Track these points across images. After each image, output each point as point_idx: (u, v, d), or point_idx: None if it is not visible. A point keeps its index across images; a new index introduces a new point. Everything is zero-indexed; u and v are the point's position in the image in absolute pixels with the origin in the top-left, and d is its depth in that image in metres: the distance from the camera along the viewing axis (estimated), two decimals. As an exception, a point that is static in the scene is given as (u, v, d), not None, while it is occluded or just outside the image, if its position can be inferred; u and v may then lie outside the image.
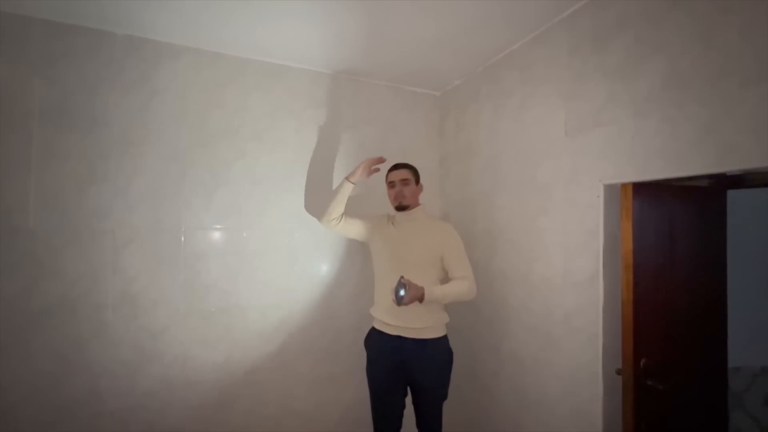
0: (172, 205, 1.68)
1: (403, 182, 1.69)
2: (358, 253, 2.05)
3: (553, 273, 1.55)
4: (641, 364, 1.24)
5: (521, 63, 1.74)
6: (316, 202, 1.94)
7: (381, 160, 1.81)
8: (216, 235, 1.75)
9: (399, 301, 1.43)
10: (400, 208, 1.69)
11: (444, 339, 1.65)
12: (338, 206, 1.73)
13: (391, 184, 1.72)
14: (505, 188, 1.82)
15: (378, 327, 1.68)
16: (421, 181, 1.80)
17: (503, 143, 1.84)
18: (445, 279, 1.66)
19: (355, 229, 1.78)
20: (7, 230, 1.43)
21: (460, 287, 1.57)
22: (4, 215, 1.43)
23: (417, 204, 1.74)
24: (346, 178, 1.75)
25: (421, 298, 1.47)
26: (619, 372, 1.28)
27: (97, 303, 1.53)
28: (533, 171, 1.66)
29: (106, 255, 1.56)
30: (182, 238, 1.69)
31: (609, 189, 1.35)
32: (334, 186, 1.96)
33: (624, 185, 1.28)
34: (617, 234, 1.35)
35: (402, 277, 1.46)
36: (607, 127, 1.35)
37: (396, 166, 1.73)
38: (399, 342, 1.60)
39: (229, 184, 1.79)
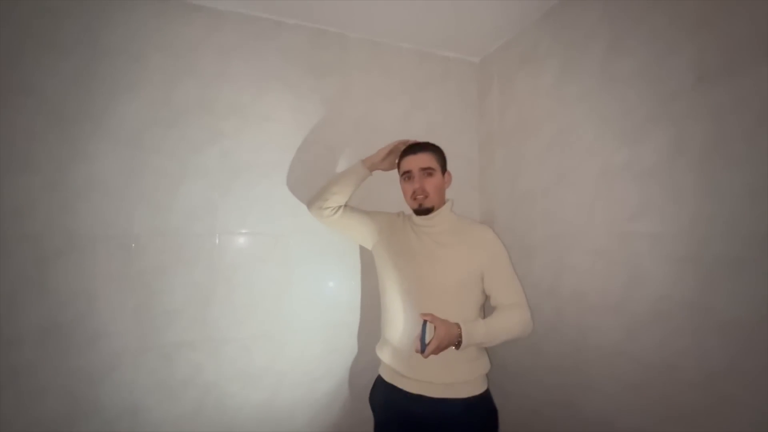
0: (123, 203, 1.25)
1: (425, 172, 1.16)
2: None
3: (672, 304, 0.99)
4: None
5: (607, -8, 1.20)
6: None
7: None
8: (181, 243, 1.31)
9: (424, 349, 0.97)
10: (422, 210, 1.18)
11: (486, 396, 1.14)
12: (340, 192, 1.24)
13: (406, 176, 1.19)
14: (581, 177, 1.27)
15: (388, 378, 1.18)
16: (456, 172, 1.29)
17: (577, 113, 1.29)
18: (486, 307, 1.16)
19: (355, 226, 1.28)
20: None
21: (511, 321, 1.08)
22: None
23: (443, 202, 1.22)
24: (362, 162, 1.27)
25: (457, 344, 1.00)
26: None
27: (9, 337, 1.11)
28: (632, 148, 1.11)
29: (27, 270, 1.14)
30: (133, 246, 1.25)
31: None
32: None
33: None
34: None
35: (423, 316, 1.00)
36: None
37: (413, 149, 1.20)
38: (419, 403, 1.10)
39: (201, 174, 1.35)
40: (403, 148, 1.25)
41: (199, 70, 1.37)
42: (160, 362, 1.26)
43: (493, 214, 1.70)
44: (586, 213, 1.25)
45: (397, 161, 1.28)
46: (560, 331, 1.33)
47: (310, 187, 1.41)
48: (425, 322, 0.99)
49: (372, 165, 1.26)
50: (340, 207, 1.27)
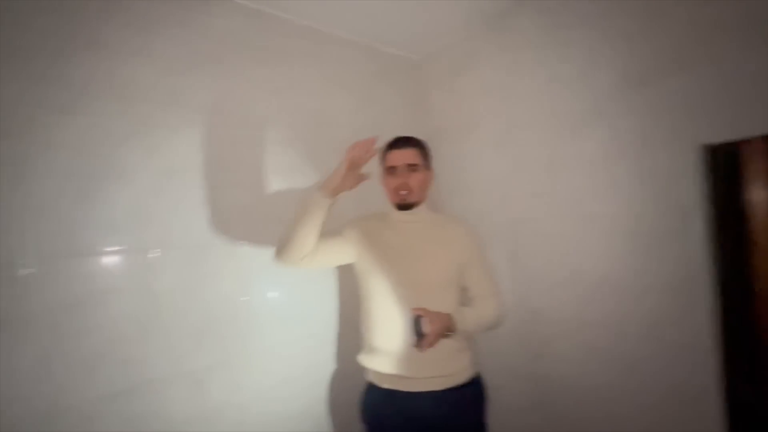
0: (8, 215, 0.89)
1: (411, 168, 1.12)
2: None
3: (619, 273, 1.18)
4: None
5: (544, 4, 1.35)
6: (267, 208, 1.30)
7: (371, 144, 1.12)
8: (101, 264, 1.00)
9: (419, 341, 0.99)
10: (404, 206, 1.14)
11: (480, 377, 1.18)
12: (310, 233, 1.07)
13: (390, 171, 1.13)
14: (533, 165, 1.41)
15: (387, 384, 1.12)
16: None
17: (524, 109, 1.43)
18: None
19: (334, 255, 1.16)
20: None
21: (489, 310, 1.13)
22: None
23: (425, 199, 1.19)
24: (320, 190, 1.07)
25: (451, 331, 1.03)
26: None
27: None
28: (573, 141, 1.28)
29: None
30: (33, 273, 0.91)
31: (709, 152, 1.01)
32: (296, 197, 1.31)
33: (750, 141, 0.94)
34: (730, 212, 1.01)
35: (415, 310, 1.01)
36: (698, 70, 1.00)
37: (398, 143, 1.15)
38: (427, 399, 1.08)
39: (122, 176, 1.05)
40: (359, 158, 1.10)
41: (103, 43, 1.06)
42: (83, 421, 0.94)
43: (444, 205, 1.76)
44: (542, 200, 1.39)
45: (381, 157, 1.17)
46: (516, 310, 1.45)
47: (263, 190, 1.24)
48: (417, 316, 0.99)
49: (334, 190, 1.07)
50: (312, 248, 1.10)
